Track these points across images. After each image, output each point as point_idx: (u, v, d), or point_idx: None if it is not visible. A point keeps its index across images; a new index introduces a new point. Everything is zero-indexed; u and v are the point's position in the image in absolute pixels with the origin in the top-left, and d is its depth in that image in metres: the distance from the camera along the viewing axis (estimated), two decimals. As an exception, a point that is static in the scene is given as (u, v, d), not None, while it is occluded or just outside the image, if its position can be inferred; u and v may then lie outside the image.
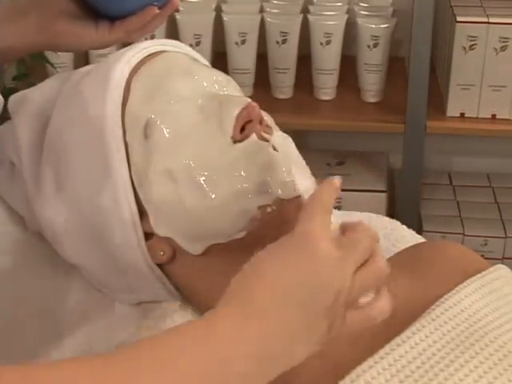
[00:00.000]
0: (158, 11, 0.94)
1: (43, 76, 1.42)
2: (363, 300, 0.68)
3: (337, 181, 0.71)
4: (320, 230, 0.66)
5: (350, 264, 0.66)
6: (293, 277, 0.65)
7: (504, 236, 1.90)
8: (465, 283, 0.83)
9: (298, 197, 0.78)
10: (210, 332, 0.63)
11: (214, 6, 1.90)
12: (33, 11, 0.94)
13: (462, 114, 1.83)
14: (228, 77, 0.87)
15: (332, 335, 0.67)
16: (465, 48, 1.77)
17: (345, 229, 0.69)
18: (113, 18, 0.95)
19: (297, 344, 0.65)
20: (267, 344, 0.63)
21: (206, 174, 0.78)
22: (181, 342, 0.63)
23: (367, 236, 0.69)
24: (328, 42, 1.85)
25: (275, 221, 0.78)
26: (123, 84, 0.83)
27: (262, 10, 1.89)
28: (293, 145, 0.82)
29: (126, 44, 0.93)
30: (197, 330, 0.63)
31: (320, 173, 1.97)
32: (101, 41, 0.95)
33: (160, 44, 0.88)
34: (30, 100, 0.93)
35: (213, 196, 0.78)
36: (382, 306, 0.68)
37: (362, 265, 0.67)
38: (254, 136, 0.79)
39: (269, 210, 0.78)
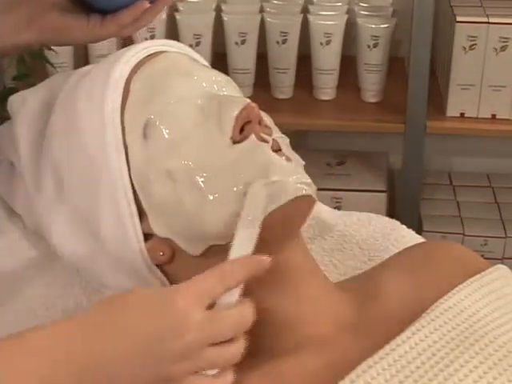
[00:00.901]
0: (148, 5, 0.94)
1: (43, 76, 1.42)
2: (209, 372, 0.69)
3: (266, 259, 0.71)
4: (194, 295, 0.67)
5: (207, 335, 0.67)
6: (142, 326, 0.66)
7: (504, 236, 1.90)
8: (464, 283, 0.83)
9: (298, 197, 0.78)
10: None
11: (213, 6, 1.90)
12: (23, 4, 0.94)
13: (462, 114, 1.83)
14: (227, 77, 0.87)
15: None
16: (465, 48, 1.77)
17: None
18: (104, 12, 0.94)
19: None
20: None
21: (205, 174, 0.78)
22: None
23: (239, 316, 0.69)
24: (328, 42, 1.85)
25: (275, 221, 0.78)
26: (123, 84, 0.83)
27: (262, 10, 1.89)
28: (289, 148, 0.82)
29: (126, 44, 0.93)
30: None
31: (320, 173, 1.98)
32: (92, 35, 0.95)
33: (159, 44, 0.88)
34: (29, 100, 0.93)
35: (212, 197, 0.77)
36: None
37: (222, 342, 0.68)
38: (253, 137, 0.79)
39: (267, 211, 0.78)
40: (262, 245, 0.79)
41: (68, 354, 0.65)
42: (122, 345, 0.66)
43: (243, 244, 0.73)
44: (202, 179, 0.78)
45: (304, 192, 0.79)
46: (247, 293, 0.80)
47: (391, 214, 1.89)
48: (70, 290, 0.95)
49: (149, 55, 0.85)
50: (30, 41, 0.94)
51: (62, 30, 0.94)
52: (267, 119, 0.83)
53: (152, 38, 1.84)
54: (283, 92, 1.91)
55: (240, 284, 0.70)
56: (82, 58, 1.92)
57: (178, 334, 0.66)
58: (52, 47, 1.82)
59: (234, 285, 0.69)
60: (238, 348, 0.69)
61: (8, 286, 0.93)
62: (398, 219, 1.11)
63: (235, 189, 0.77)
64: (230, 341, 0.68)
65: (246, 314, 0.69)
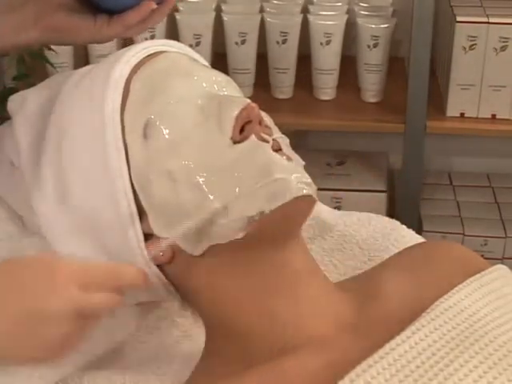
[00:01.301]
0: (155, 6, 0.93)
1: (43, 76, 1.42)
2: None
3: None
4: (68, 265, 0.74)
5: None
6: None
7: (504, 236, 1.90)
8: (464, 283, 0.83)
9: (298, 197, 0.78)
10: None
11: (213, 6, 1.90)
12: (30, 3, 0.94)
13: (462, 114, 1.83)
14: (227, 77, 0.87)
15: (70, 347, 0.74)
16: (465, 48, 1.77)
17: None
18: (111, 13, 0.94)
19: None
20: None
21: (205, 174, 0.78)
22: None
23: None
24: (328, 42, 1.85)
25: (275, 221, 0.78)
26: (123, 84, 0.83)
27: (262, 10, 1.89)
28: (289, 148, 0.82)
29: (126, 44, 0.93)
30: None
31: (320, 173, 1.98)
32: (99, 35, 0.95)
33: (160, 44, 0.88)
34: (29, 100, 0.93)
35: (212, 197, 0.77)
36: None
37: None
38: (253, 137, 0.79)
39: (268, 211, 0.78)
40: (262, 245, 0.79)
41: None
42: None
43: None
44: (203, 179, 0.78)
45: (304, 192, 0.79)
46: (247, 293, 0.80)
47: (391, 214, 1.89)
48: None
49: (149, 55, 0.86)
50: (31, 40, 0.94)
51: (68, 30, 0.94)
52: (267, 119, 0.83)
53: (152, 37, 1.84)
54: (283, 92, 1.91)
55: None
56: (82, 58, 1.92)
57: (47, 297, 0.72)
58: (52, 47, 1.83)
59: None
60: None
61: None
62: (398, 219, 1.11)
63: (237, 189, 0.77)
64: None
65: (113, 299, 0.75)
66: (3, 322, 0.71)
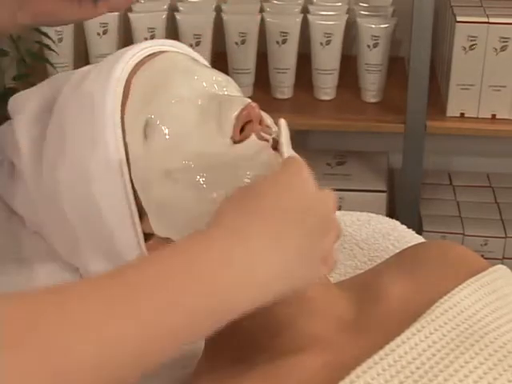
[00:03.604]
0: None
1: (43, 76, 1.42)
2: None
3: None
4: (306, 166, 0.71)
5: (332, 202, 0.71)
6: (293, 199, 0.68)
7: (504, 236, 1.90)
8: (465, 284, 0.83)
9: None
10: (200, 254, 0.63)
11: (213, 6, 1.90)
12: None
13: (462, 114, 1.83)
14: (228, 77, 0.87)
15: (325, 272, 0.71)
16: (465, 48, 1.77)
17: None
18: None
19: (291, 271, 0.67)
20: (259, 268, 0.64)
21: (205, 174, 0.78)
22: (170, 264, 0.62)
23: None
24: (328, 42, 1.85)
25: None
26: (123, 84, 0.83)
27: (262, 10, 1.89)
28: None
29: (125, 44, 0.92)
30: (188, 252, 0.64)
31: (320, 173, 1.96)
32: (85, 16, 0.93)
33: (160, 44, 0.88)
34: (30, 100, 0.93)
35: (212, 196, 0.77)
36: None
37: None
38: (253, 136, 0.79)
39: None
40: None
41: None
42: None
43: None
44: (203, 179, 0.78)
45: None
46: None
47: (391, 214, 1.89)
48: None
49: (149, 55, 0.85)
50: (16, 25, 0.93)
51: (53, 15, 0.92)
52: (268, 120, 0.83)
53: (152, 37, 1.84)
54: (283, 92, 1.91)
55: None
56: (82, 58, 1.92)
57: (323, 209, 0.70)
58: (52, 47, 1.83)
59: None
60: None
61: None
62: (398, 219, 1.11)
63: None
64: None
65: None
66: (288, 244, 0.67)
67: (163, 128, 0.80)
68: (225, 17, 1.87)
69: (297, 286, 0.69)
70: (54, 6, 0.92)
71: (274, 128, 0.83)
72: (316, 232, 0.69)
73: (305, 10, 1.89)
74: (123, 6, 0.96)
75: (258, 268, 0.64)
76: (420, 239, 1.07)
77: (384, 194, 1.93)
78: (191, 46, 1.78)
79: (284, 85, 1.90)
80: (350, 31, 1.89)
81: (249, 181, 0.77)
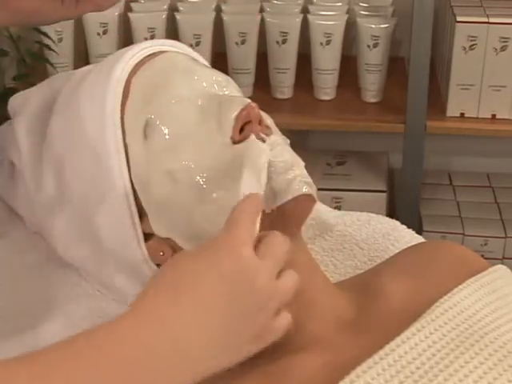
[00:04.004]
0: None
1: (43, 76, 1.42)
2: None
3: (258, 195, 0.74)
4: (244, 235, 0.68)
5: (273, 270, 0.69)
6: (217, 276, 0.66)
7: (504, 236, 1.90)
8: (465, 283, 0.83)
9: (299, 196, 0.78)
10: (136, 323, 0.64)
11: (213, 6, 1.90)
12: None
13: (462, 114, 1.83)
14: (228, 77, 0.87)
15: (255, 350, 0.69)
16: (465, 48, 1.77)
17: (258, 239, 0.71)
18: None
19: (214, 353, 0.66)
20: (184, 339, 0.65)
21: (205, 174, 0.78)
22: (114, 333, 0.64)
23: (282, 241, 0.71)
24: (328, 42, 1.85)
25: (275, 220, 0.78)
26: (123, 84, 0.83)
27: (262, 10, 1.89)
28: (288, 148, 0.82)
29: (125, 44, 0.92)
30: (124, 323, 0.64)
31: (320, 173, 1.97)
32: (68, 15, 0.92)
33: (160, 44, 0.88)
34: (30, 100, 0.93)
35: (213, 196, 0.77)
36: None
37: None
38: (252, 136, 0.79)
39: (268, 210, 0.78)
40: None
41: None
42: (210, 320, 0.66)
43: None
44: (203, 179, 0.78)
45: (305, 191, 0.79)
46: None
47: (391, 214, 1.89)
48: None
49: (149, 55, 0.85)
50: (5, 22, 0.92)
51: (35, 13, 0.90)
52: (268, 120, 0.83)
53: (152, 37, 1.84)
54: (283, 92, 1.91)
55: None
56: (82, 58, 1.92)
57: (251, 285, 0.67)
58: (52, 47, 1.83)
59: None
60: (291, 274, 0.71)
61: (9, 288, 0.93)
62: (398, 219, 1.11)
63: (236, 189, 0.77)
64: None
65: (281, 239, 0.71)
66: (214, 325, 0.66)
67: (163, 128, 0.80)
68: (225, 17, 1.87)
69: (221, 366, 0.68)
70: (36, 4, 0.90)
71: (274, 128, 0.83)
72: (246, 310, 0.67)
73: (305, 10, 1.89)
74: (107, 5, 0.94)
75: (181, 353, 0.65)
76: (420, 239, 1.07)
77: (384, 194, 1.93)
78: (191, 45, 1.78)
79: (284, 85, 1.90)
80: (350, 31, 1.89)
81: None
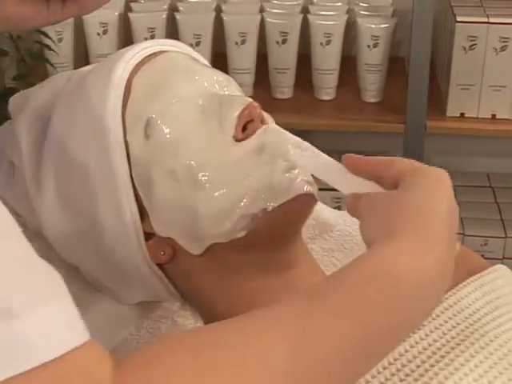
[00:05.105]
0: None
1: (43, 76, 1.43)
2: None
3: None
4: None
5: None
6: (440, 202, 0.68)
7: (504, 236, 1.90)
8: (465, 282, 0.83)
9: (300, 195, 0.78)
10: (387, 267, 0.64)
11: (213, 6, 1.90)
12: None
13: (462, 114, 1.83)
14: (228, 77, 0.86)
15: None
16: (465, 48, 1.77)
17: None
18: None
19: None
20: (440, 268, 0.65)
21: (207, 173, 0.78)
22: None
23: None
24: (328, 42, 1.85)
25: (276, 219, 0.78)
26: (124, 84, 0.82)
27: (262, 10, 1.89)
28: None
29: (125, 44, 0.92)
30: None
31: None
32: (53, 19, 0.89)
33: (160, 44, 0.88)
34: (30, 100, 0.93)
35: (214, 195, 0.77)
36: None
37: None
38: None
39: (270, 208, 0.78)
40: (262, 243, 0.79)
41: None
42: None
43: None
44: (205, 178, 0.78)
45: (306, 189, 0.79)
46: (247, 293, 0.80)
47: (391, 213, 1.89)
48: None
49: (149, 55, 0.85)
50: None
51: (20, 20, 0.88)
52: (269, 119, 0.83)
53: (152, 37, 1.84)
54: (283, 92, 1.91)
55: None
56: (82, 58, 1.92)
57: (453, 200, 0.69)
58: (52, 47, 1.83)
59: None
60: None
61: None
62: (398, 219, 1.11)
63: (238, 187, 0.77)
64: None
65: None
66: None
67: (164, 127, 0.80)
68: (225, 17, 1.87)
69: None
70: (20, 10, 0.87)
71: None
72: (454, 228, 0.68)
73: (305, 10, 1.89)
74: (93, 8, 0.92)
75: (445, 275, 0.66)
76: (420, 239, 1.06)
77: (384, 194, 1.93)
78: (191, 45, 1.77)
79: (284, 85, 1.90)
80: (350, 31, 1.89)
81: (249, 180, 0.77)
